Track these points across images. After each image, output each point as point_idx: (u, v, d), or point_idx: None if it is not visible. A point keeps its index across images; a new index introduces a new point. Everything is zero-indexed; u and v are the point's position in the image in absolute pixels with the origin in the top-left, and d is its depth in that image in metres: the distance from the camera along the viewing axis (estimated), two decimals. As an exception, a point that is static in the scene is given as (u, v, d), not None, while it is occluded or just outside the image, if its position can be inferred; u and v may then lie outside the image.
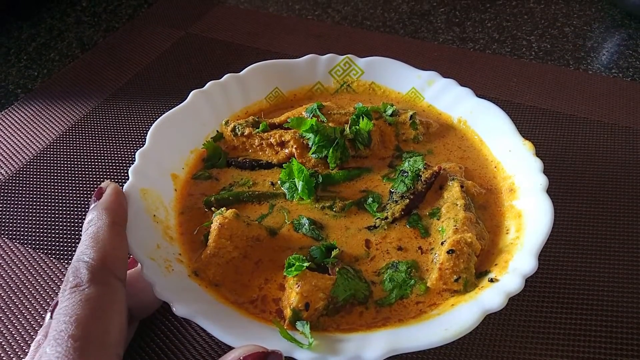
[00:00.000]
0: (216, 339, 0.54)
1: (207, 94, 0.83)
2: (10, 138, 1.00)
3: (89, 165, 0.94)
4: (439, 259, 0.63)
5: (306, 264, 0.60)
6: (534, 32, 1.27)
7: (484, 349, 0.66)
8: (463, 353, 0.66)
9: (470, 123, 0.84)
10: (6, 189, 0.90)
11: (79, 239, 0.58)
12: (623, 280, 0.73)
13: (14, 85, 1.16)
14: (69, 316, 0.48)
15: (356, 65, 0.92)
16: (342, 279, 0.62)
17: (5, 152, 0.97)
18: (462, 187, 0.72)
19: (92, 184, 0.90)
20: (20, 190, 0.90)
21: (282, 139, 0.79)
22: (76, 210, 0.86)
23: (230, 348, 0.52)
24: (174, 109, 0.80)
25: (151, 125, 0.76)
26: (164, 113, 0.79)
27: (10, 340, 0.68)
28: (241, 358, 0.49)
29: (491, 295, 0.58)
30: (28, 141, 0.99)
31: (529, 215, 0.67)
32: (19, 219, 0.85)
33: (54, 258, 0.78)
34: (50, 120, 1.04)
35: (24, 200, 0.88)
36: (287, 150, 0.79)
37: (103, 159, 0.95)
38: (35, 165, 0.94)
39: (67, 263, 0.77)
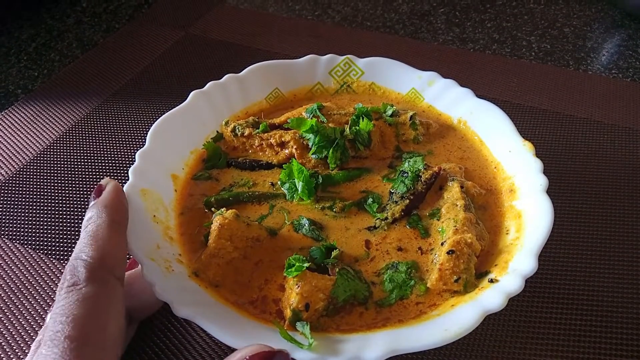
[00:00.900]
0: (216, 339, 0.54)
1: (207, 94, 0.83)
2: (10, 138, 1.00)
3: (89, 165, 0.94)
4: (439, 260, 0.63)
5: (306, 265, 0.60)
6: (534, 32, 1.27)
7: (484, 349, 0.66)
8: (463, 353, 0.66)
9: (470, 123, 0.84)
10: (6, 190, 0.90)
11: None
12: (623, 280, 0.73)
13: (14, 85, 1.16)
14: (65, 316, 0.48)
15: (356, 66, 0.92)
16: (342, 279, 0.62)
17: (6, 152, 0.97)
18: (462, 187, 0.72)
19: (92, 184, 0.90)
20: (21, 190, 0.90)
21: (282, 139, 0.79)
22: (76, 211, 0.86)
23: (230, 348, 0.52)
24: (174, 109, 0.80)
25: (151, 126, 0.76)
26: (164, 113, 0.79)
27: (10, 340, 0.68)
28: (247, 358, 0.48)
29: (491, 296, 0.58)
30: (28, 142, 0.99)
31: (529, 215, 0.67)
32: (19, 220, 0.85)
33: (54, 259, 0.78)
34: (50, 120, 1.04)
35: (24, 201, 0.88)
36: (287, 151, 0.79)
37: (103, 159, 0.95)
38: (35, 165, 0.94)
39: (67, 263, 0.77)
